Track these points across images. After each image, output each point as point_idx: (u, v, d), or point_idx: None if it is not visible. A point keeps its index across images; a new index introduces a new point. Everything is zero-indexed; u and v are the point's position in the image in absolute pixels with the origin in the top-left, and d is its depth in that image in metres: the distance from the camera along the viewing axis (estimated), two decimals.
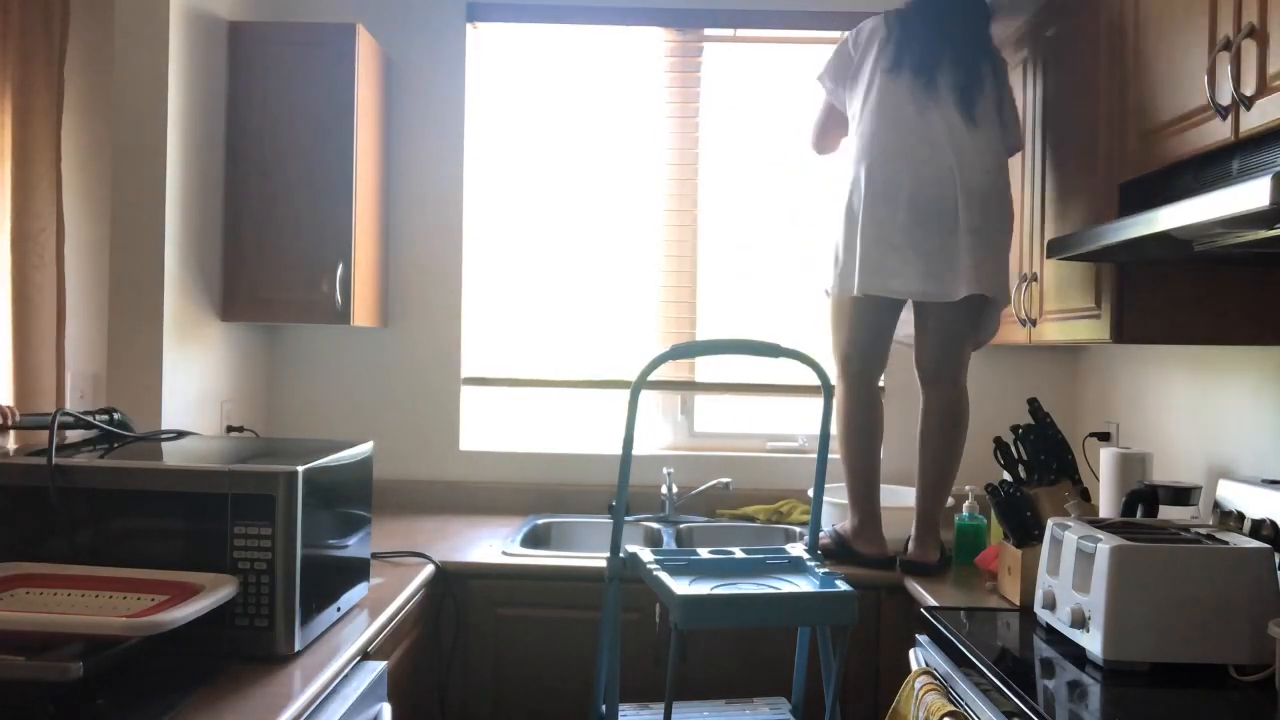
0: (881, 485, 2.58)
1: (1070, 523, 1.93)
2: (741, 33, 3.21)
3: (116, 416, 1.95)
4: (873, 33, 2.52)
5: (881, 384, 2.93)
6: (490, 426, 3.30)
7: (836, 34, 3.12)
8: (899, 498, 2.87)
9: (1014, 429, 2.32)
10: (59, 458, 1.70)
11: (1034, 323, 2.52)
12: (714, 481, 3.03)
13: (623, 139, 3.22)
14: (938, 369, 2.50)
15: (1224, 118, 1.65)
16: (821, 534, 2.65)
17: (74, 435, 1.95)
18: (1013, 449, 2.32)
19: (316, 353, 3.20)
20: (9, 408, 1.81)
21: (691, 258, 3.22)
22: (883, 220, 2.38)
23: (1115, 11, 2.10)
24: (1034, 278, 2.52)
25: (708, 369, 3.22)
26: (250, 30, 2.79)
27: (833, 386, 2.56)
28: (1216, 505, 2.10)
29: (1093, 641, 1.75)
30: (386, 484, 3.17)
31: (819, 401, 3.19)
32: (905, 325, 2.59)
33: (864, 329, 2.51)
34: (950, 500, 2.75)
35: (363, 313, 2.91)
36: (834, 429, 2.52)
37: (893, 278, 2.39)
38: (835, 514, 2.69)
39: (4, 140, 2.07)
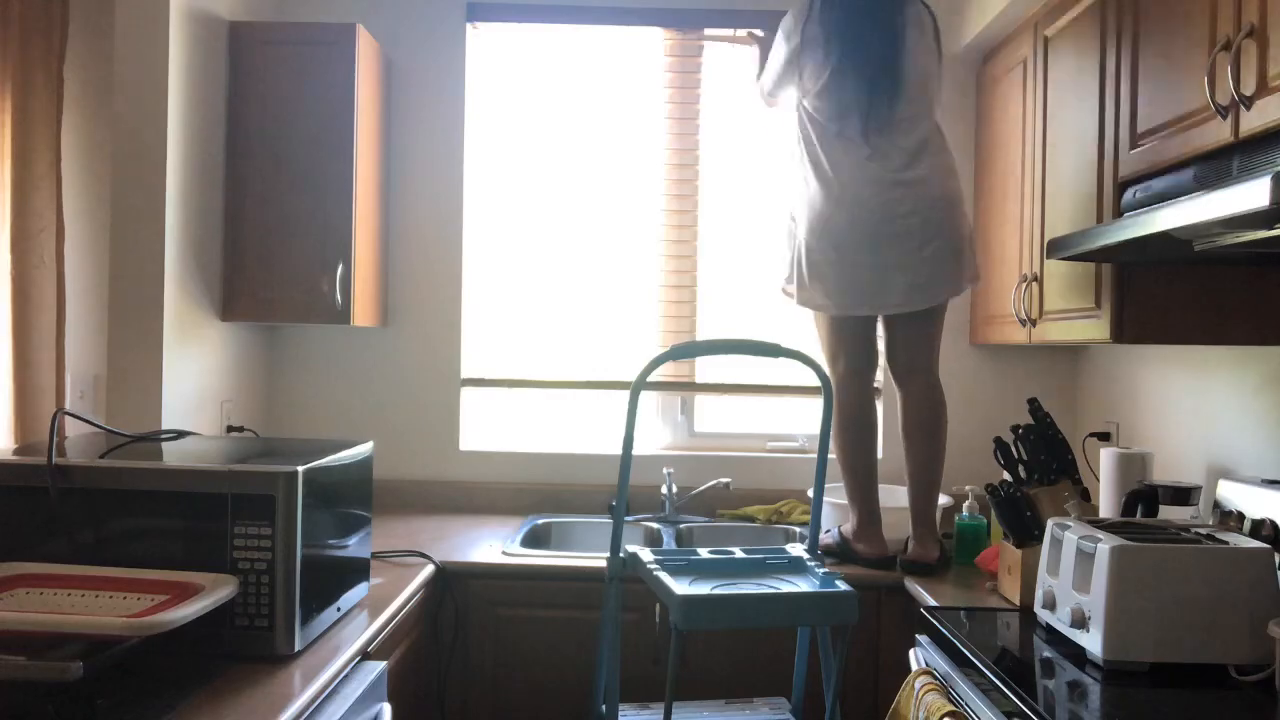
0: (881, 485, 2.58)
1: (1070, 523, 1.93)
2: (741, 33, 3.21)
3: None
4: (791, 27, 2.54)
5: (877, 384, 2.94)
6: (490, 427, 3.30)
7: None
8: (898, 498, 2.87)
9: (1014, 429, 2.32)
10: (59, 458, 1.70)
11: (1034, 323, 2.52)
12: (714, 481, 3.03)
13: (622, 139, 3.22)
14: (909, 365, 2.52)
15: (1224, 118, 1.65)
16: (822, 534, 2.64)
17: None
18: (1013, 449, 2.32)
19: (316, 353, 3.20)
20: None
21: (692, 258, 3.22)
22: (848, 257, 2.43)
23: (1115, 11, 2.10)
24: (1034, 278, 2.52)
25: (708, 369, 3.22)
26: (250, 30, 2.79)
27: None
28: (1216, 505, 2.10)
29: (1093, 641, 1.75)
30: (386, 484, 3.17)
31: (819, 401, 3.19)
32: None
33: (849, 330, 2.53)
34: (950, 500, 2.76)
35: (363, 313, 2.91)
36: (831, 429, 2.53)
37: (875, 295, 2.44)
38: (835, 514, 2.69)
39: (4, 140, 2.07)
